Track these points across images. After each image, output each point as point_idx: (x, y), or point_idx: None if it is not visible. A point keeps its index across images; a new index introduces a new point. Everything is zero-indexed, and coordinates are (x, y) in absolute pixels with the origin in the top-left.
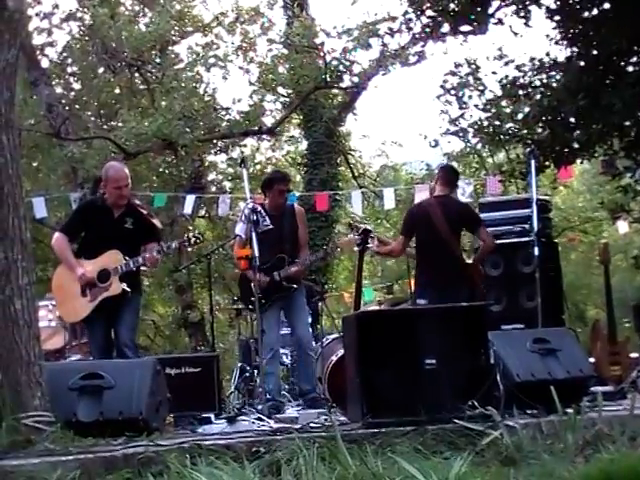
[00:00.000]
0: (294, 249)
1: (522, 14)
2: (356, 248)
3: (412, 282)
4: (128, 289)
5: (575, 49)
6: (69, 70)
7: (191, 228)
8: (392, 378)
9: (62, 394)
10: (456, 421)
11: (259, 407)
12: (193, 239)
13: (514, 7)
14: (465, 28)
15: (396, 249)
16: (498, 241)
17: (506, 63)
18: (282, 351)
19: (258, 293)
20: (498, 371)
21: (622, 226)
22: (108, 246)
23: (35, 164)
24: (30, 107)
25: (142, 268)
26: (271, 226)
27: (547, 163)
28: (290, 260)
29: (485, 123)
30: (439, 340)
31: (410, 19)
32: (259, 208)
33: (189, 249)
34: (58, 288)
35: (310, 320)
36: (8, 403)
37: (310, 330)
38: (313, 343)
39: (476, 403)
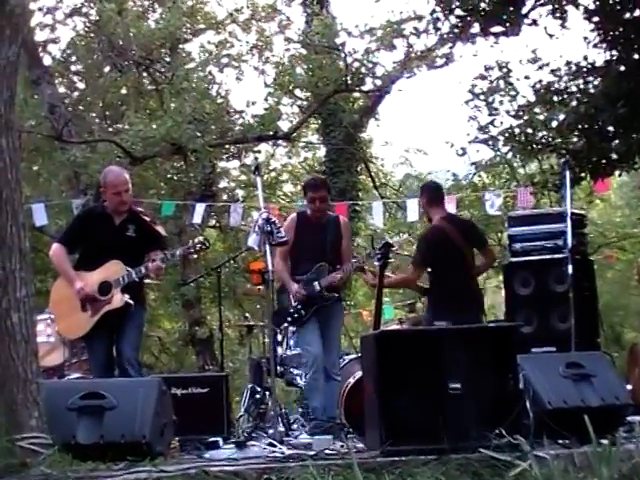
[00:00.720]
0: (336, 261)
1: (558, 15)
2: (376, 263)
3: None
4: (131, 302)
5: (615, 53)
6: (73, 69)
7: (201, 238)
8: (413, 403)
9: (60, 414)
10: (482, 450)
11: (270, 431)
12: (199, 245)
13: (549, 7)
14: (496, 29)
15: (410, 278)
16: (529, 258)
17: (540, 67)
18: (295, 372)
19: (295, 307)
20: (528, 397)
21: None
22: (109, 256)
23: (35, 168)
24: (31, 107)
25: (146, 280)
26: (286, 238)
27: (583, 175)
28: (331, 269)
29: (517, 131)
30: (464, 363)
31: (438, 18)
32: (273, 218)
33: (195, 256)
34: (57, 303)
35: None
36: (3, 423)
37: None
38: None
39: (503, 431)
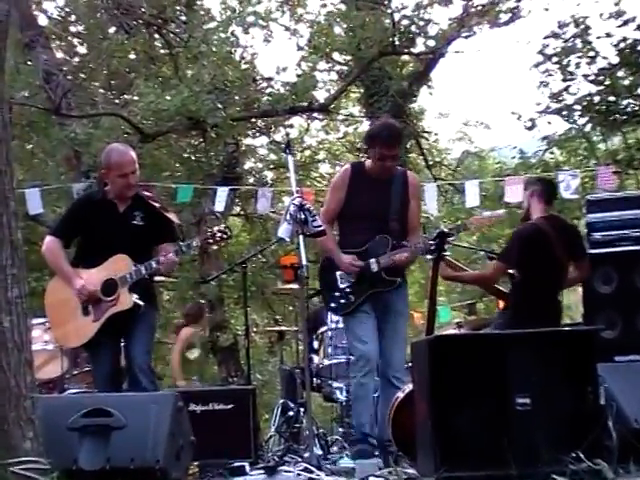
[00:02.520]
0: (402, 231)
1: None
2: (429, 256)
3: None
4: (140, 302)
5: None
6: (72, 30)
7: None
8: (474, 421)
9: (60, 435)
10: (556, 477)
11: (305, 455)
12: (219, 234)
13: None
14: None
15: (491, 277)
16: (611, 249)
17: (625, 22)
18: (335, 385)
19: (342, 290)
20: (610, 414)
21: None
22: (113, 249)
23: (29, 147)
24: (24, 76)
25: (157, 277)
26: (323, 227)
27: None
28: (395, 244)
29: (596, 99)
30: (535, 374)
31: None
32: (307, 204)
33: (215, 247)
34: (52, 306)
35: None
36: None
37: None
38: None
39: (581, 455)
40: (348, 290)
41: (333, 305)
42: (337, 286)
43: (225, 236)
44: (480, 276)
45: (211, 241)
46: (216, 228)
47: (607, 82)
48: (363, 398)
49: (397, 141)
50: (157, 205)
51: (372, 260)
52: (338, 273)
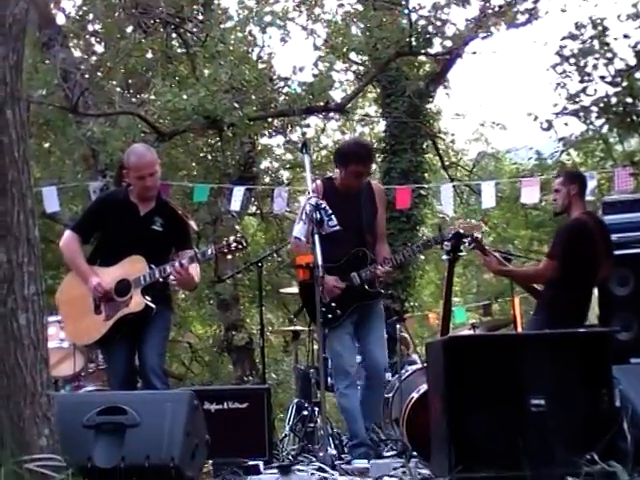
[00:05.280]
0: (374, 242)
1: None
2: (445, 257)
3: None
4: (153, 305)
5: None
6: (90, 28)
7: (239, 228)
8: (488, 421)
9: (75, 432)
10: (570, 479)
11: (320, 454)
12: (234, 244)
13: None
14: None
15: (543, 274)
16: (627, 251)
17: None
18: None
19: (327, 305)
20: (625, 416)
21: None
22: (130, 251)
23: (46, 145)
24: (41, 74)
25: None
26: (338, 227)
27: None
28: (369, 255)
29: (614, 100)
30: (549, 375)
31: None
32: (323, 204)
33: (229, 257)
34: (66, 302)
35: None
36: (8, 443)
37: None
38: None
39: (596, 457)
40: (333, 305)
41: (320, 320)
42: (321, 301)
43: (240, 246)
44: (532, 273)
45: (226, 250)
46: (232, 238)
47: (624, 83)
48: (349, 409)
49: (371, 158)
50: (180, 212)
51: (353, 274)
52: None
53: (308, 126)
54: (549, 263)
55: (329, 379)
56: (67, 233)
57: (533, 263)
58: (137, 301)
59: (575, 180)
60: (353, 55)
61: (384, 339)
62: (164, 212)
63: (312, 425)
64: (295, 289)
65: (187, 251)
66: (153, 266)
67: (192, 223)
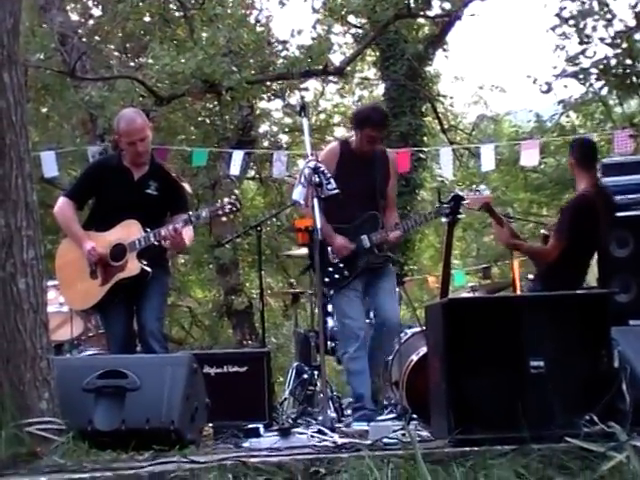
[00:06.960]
0: (385, 208)
1: None
2: (444, 219)
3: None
4: (148, 269)
5: None
6: None
7: (237, 192)
8: (488, 384)
9: (75, 396)
10: (569, 440)
11: (319, 417)
12: (228, 206)
13: None
14: None
15: (550, 254)
16: (627, 213)
17: None
18: None
19: (335, 265)
20: (624, 377)
21: None
22: (124, 215)
23: (44, 110)
24: (39, 38)
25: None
26: (338, 190)
27: None
28: (381, 219)
29: (613, 62)
30: (549, 337)
31: None
32: (322, 167)
33: (223, 219)
34: (62, 267)
35: None
36: (9, 406)
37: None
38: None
39: (595, 418)
40: (342, 265)
41: (327, 280)
42: (330, 261)
43: (235, 208)
44: (540, 251)
45: (220, 213)
46: (226, 200)
47: (624, 45)
48: (358, 372)
49: (385, 124)
50: (173, 174)
51: (363, 236)
52: (329, 248)
53: (307, 89)
54: (556, 243)
55: (329, 342)
56: (61, 199)
57: (540, 233)
58: (132, 265)
59: (572, 149)
60: (352, 18)
61: (396, 295)
62: (158, 175)
63: (311, 388)
64: (296, 251)
65: (181, 214)
66: (148, 229)
67: (186, 185)
